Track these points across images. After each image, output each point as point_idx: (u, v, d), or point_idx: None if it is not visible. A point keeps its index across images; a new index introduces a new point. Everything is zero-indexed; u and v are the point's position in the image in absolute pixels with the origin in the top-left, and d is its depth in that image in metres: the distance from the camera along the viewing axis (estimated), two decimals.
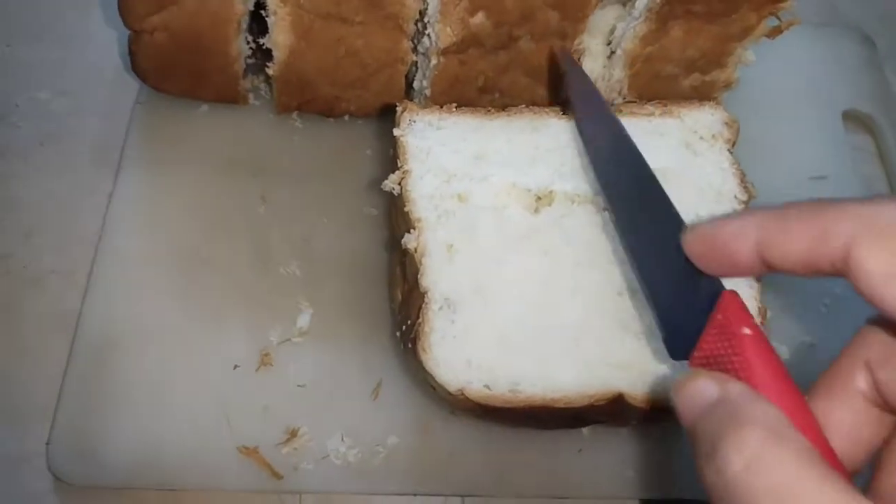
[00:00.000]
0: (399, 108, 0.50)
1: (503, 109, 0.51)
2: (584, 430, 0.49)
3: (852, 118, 0.66)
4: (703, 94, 0.56)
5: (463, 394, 0.41)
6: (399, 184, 0.47)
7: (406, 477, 0.47)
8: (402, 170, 0.47)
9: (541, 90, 0.57)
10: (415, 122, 0.49)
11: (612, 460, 0.48)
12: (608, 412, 0.43)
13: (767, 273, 0.33)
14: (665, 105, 0.52)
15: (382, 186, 0.48)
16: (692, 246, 0.36)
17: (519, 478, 0.48)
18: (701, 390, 0.32)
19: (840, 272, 0.30)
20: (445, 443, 0.48)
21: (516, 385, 0.42)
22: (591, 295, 0.45)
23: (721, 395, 0.31)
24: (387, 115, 0.59)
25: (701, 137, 0.50)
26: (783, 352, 0.52)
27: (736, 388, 0.32)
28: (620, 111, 0.51)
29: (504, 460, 0.48)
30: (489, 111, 0.51)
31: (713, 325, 0.35)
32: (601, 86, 0.56)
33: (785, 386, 0.32)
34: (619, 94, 0.56)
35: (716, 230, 0.35)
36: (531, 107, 0.51)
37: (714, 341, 0.34)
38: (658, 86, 0.55)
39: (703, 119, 0.51)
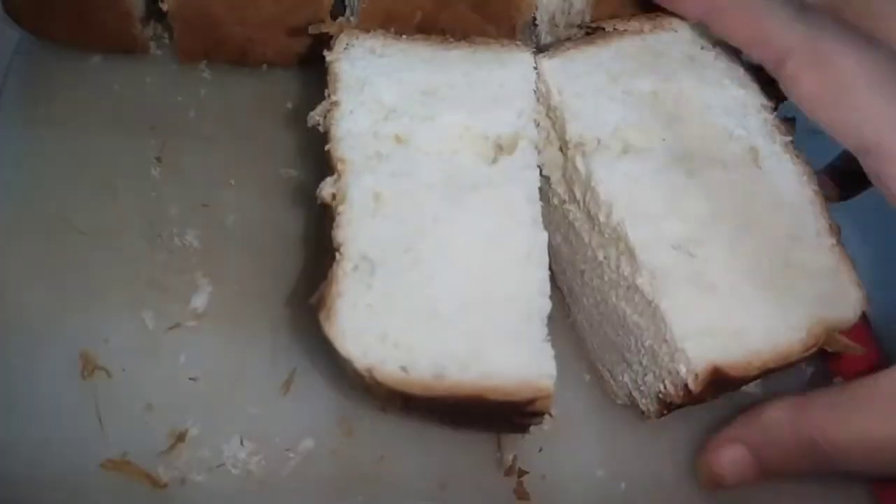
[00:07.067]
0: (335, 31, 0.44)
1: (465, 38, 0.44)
2: (545, 425, 0.42)
3: None
4: None
5: (371, 375, 0.32)
6: (325, 118, 0.40)
7: (324, 488, 0.41)
8: (328, 101, 0.41)
9: (491, 29, 0.49)
10: (353, 46, 0.42)
11: (577, 460, 0.42)
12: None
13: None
14: (654, 17, 0.45)
15: (308, 119, 0.42)
16: None
17: (463, 484, 0.41)
18: None
19: (773, 73, 0.38)
20: (375, 446, 0.42)
21: (442, 369, 0.33)
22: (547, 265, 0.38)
23: None
24: (311, 64, 0.53)
25: (702, 47, 0.44)
26: None
27: None
28: (606, 39, 0.44)
29: (446, 464, 0.42)
30: (447, 39, 0.44)
31: None
32: (560, 20, 0.48)
33: None
34: (581, 27, 0.48)
35: None
36: (500, 39, 0.44)
37: None
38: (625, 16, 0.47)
39: (702, 25, 0.44)
